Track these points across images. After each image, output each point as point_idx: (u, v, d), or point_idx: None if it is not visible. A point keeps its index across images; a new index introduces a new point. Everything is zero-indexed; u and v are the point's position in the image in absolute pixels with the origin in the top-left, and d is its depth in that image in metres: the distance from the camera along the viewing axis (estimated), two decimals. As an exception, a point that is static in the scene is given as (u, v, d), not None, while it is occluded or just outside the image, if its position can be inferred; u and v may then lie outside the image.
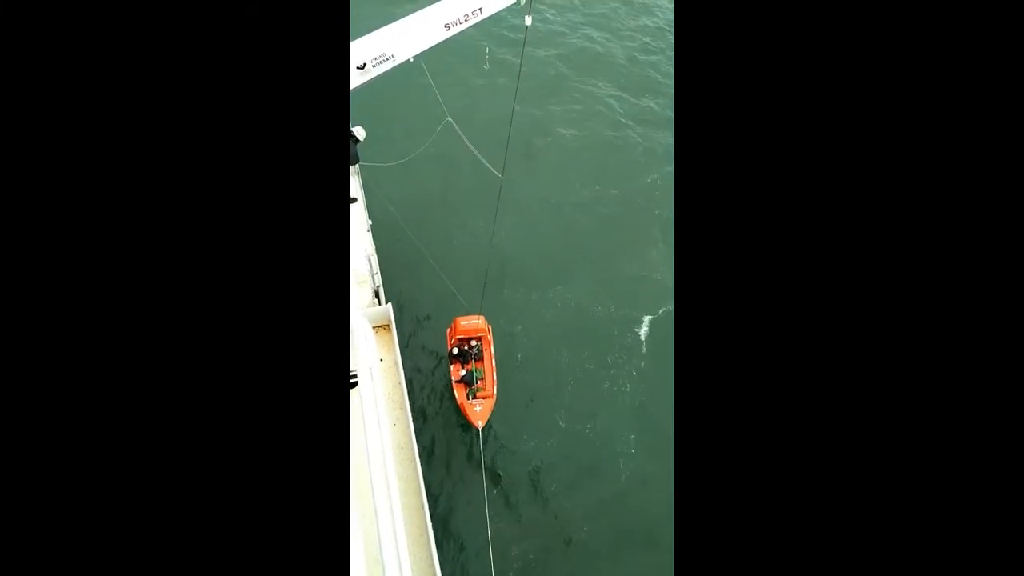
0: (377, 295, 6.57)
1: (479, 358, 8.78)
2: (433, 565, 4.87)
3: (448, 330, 9.04)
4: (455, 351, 8.70)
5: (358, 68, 5.79)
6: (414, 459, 5.48)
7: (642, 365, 9.16)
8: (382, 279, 7.33)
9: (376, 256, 6.74)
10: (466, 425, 8.39)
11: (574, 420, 8.64)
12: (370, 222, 7.27)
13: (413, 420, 6.18)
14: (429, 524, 5.13)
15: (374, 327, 6.46)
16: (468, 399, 8.33)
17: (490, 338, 8.92)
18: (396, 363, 6.16)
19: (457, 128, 6.46)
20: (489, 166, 6.47)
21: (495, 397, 8.44)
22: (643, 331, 9.54)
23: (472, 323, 8.81)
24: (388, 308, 6.41)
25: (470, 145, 6.50)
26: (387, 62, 5.62)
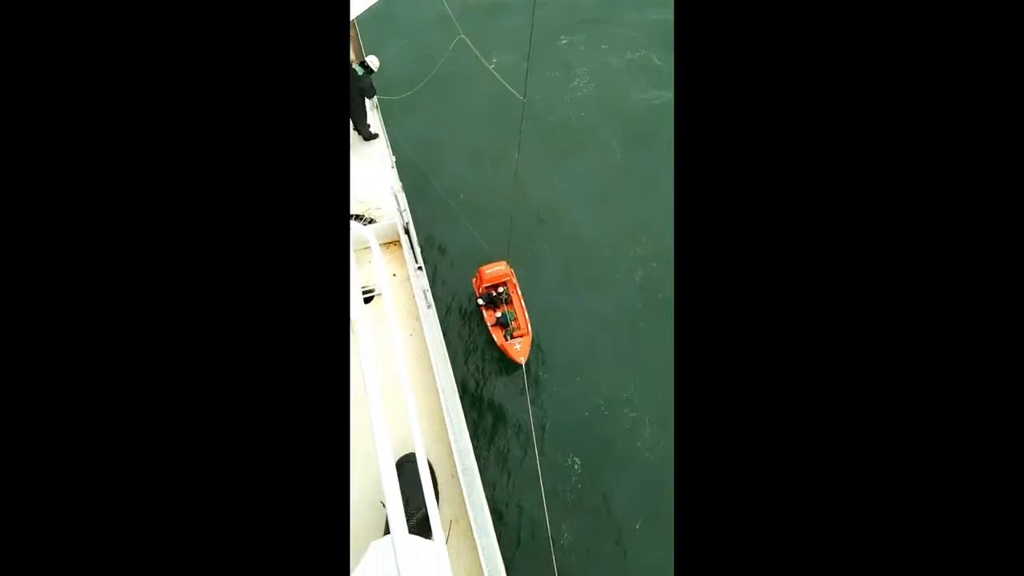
0: (407, 231, 6.59)
1: (508, 301, 8.89)
2: (454, 460, 4.80)
3: (474, 280, 9.17)
4: (484, 298, 8.84)
5: (363, -9, 5.89)
6: (431, 367, 5.48)
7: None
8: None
9: (403, 193, 6.77)
10: (506, 364, 8.48)
11: (612, 351, 8.62)
12: (394, 158, 7.30)
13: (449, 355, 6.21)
14: (451, 424, 5.05)
15: (383, 244, 6.50)
16: (506, 340, 8.49)
17: (515, 280, 9.03)
18: (409, 277, 6.22)
19: (471, 45, 6.32)
20: (509, 86, 6.34)
21: (530, 334, 8.55)
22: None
23: (496, 270, 8.95)
24: (396, 223, 6.40)
25: (486, 63, 6.40)
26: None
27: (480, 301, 8.92)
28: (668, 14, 12.71)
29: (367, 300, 5.92)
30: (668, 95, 11.51)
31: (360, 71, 7.31)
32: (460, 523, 4.56)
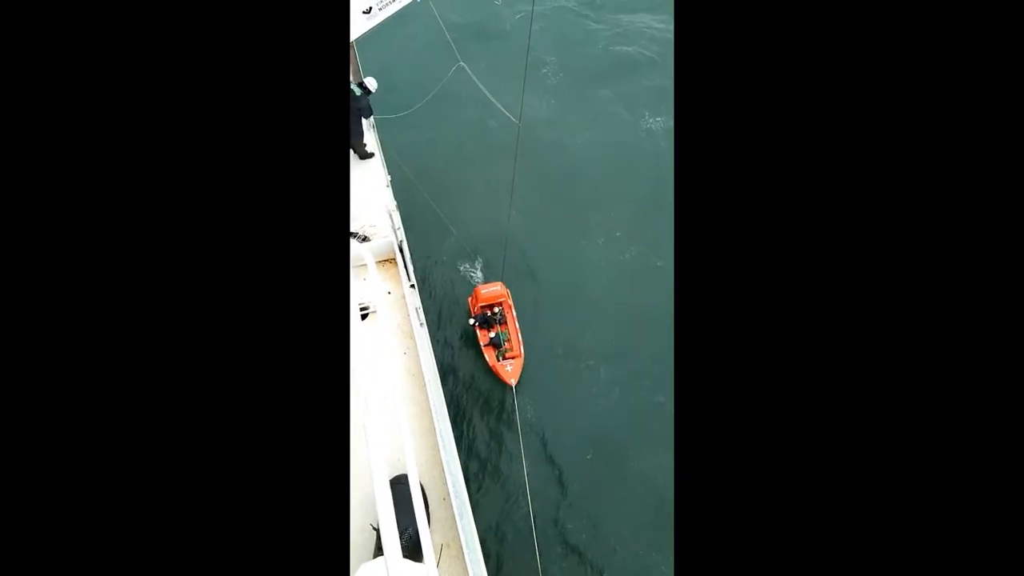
0: (401, 249, 6.59)
1: (503, 322, 8.87)
2: (445, 482, 4.74)
3: (469, 299, 9.16)
4: (479, 319, 8.82)
5: (364, 13, 5.94)
6: (424, 385, 5.45)
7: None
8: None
9: (398, 212, 6.77)
10: (496, 386, 8.44)
11: (604, 373, 8.60)
12: (389, 178, 7.31)
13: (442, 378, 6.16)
14: (443, 446, 5.00)
15: (380, 261, 6.48)
16: (498, 360, 8.46)
17: (510, 302, 9.02)
18: (404, 295, 6.20)
19: (470, 72, 6.44)
20: (505, 111, 6.44)
21: (523, 356, 8.51)
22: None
23: (492, 291, 8.93)
24: (392, 240, 6.41)
25: (484, 90, 6.50)
26: (395, 3, 5.76)
27: (472, 321, 8.90)
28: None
29: (363, 317, 5.88)
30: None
31: (358, 91, 7.37)
32: (451, 547, 4.46)
